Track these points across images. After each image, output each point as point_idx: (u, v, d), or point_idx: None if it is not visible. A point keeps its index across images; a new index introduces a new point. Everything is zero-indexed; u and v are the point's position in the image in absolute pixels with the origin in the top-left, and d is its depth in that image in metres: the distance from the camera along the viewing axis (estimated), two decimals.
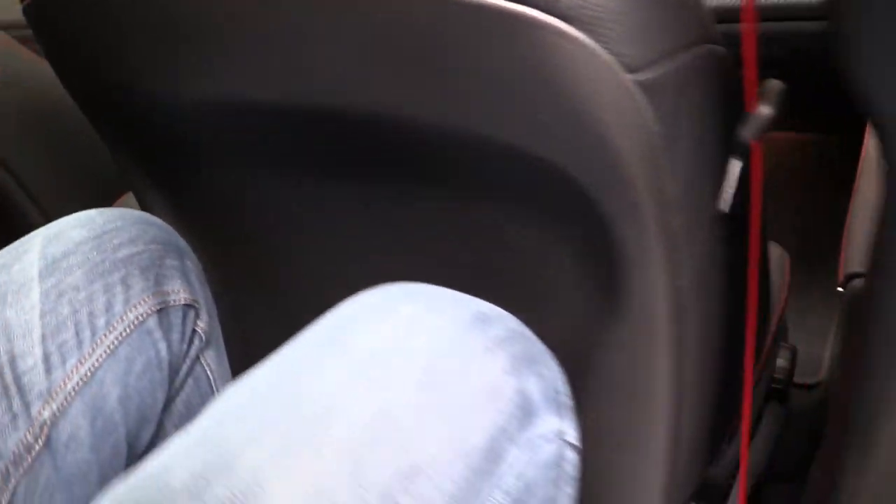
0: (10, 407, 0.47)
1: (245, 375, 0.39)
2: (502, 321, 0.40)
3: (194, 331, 0.57)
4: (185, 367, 0.57)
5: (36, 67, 0.84)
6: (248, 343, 0.67)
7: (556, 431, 0.40)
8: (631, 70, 0.37)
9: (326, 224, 0.58)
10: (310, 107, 0.46)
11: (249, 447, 0.33)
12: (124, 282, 0.52)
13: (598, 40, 0.36)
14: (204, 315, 0.58)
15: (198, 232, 0.66)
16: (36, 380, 0.47)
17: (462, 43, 0.38)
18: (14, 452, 0.46)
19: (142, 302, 0.53)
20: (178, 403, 0.57)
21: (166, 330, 0.54)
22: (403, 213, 0.53)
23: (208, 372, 0.59)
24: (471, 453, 0.35)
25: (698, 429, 0.56)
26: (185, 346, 0.56)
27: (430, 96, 0.41)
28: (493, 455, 0.36)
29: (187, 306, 0.57)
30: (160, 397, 0.55)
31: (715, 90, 0.42)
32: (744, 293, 0.50)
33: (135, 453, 0.54)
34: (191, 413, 0.58)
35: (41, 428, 0.47)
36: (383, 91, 0.42)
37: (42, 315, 0.48)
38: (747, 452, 0.56)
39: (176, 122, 0.58)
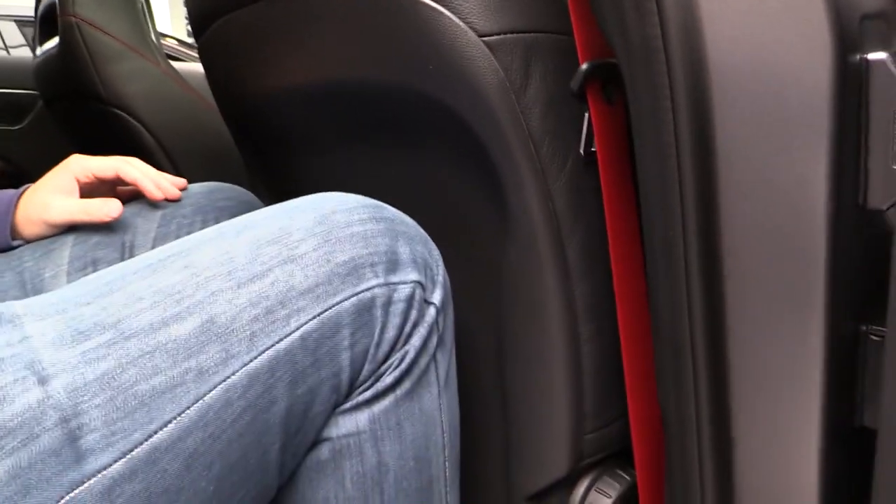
0: None
1: None
2: (400, 216, 0.57)
3: None
4: None
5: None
6: None
7: (415, 282, 0.54)
8: (479, 34, 0.58)
9: (333, 172, 0.80)
10: (327, 83, 0.71)
11: (201, 242, 0.55)
12: (217, 220, 0.79)
13: (454, 13, 0.57)
14: None
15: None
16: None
17: (380, 21, 0.60)
18: None
19: None
20: None
21: None
22: (378, 165, 0.74)
23: None
24: (337, 265, 0.52)
25: (604, 359, 0.67)
26: None
27: (370, 62, 0.64)
28: (355, 273, 0.53)
29: None
30: None
31: (563, 63, 0.60)
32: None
33: None
34: None
35: None
36: (354, 64, 0.65)
37: (158, 225, 0.77)
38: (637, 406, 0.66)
39: (260, 117, 0.85)
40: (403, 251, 0.55)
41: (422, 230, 0.58)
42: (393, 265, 0.54)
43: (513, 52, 0.58)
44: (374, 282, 0.53)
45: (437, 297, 0.56)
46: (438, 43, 0.58)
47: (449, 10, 0.57)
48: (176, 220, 0.78)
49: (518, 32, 0.59)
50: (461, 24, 0.57)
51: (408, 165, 0.71)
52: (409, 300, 0.54)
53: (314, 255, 0.52)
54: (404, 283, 0.54)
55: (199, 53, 0.89)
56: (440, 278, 0.57)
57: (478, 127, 0.61)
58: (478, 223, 0.68)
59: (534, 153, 0.61)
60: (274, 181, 0.92)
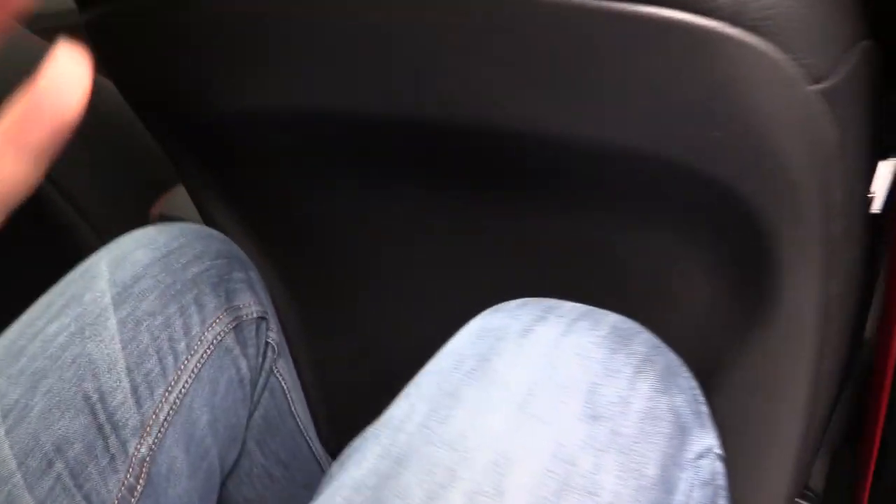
0: (106, 447, 0.45)
1: (392, 409, 0.37)
2: (638, 335, 0.38)
3: (267, 343, 0.56)
4: (261, 381, 0.56)
5: None
6: (318, 352, 0.65)
7: (708, 447, 0.38)
8: (815, 80, 0.34)
9: (416, 235, 0.55)
10: (429, 120, 0.43)
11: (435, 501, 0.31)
12: (198, 301, 0.50)
13: (785, 51, 0.33)
14: (273, 325, 0.57)
15: (263, 243, 0.63)
16: (128, 415, 0.45)
17: (629, 57, 0.34)
18: (118, 496, 0.44)
19: (217, 320, 0.51)
20: (257, 417, 0.56)
21: (243, 345, 0.53)
22: (508, 224, 0.50)
23: (282, 382, 0.58)
24: (649, 487, 0.33)
25: (822, 427, 0.54)
26: (260, 360, 0.56)
27: (584, 113, 0.37)
28: (667, 485, 0.34)
29: (259, 318, 0.55)
30: (243, 414, 0.54)
31: (873, 88, 0.39)
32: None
33: (223, 472, 0.53)
34: (269, 426, 0.57)
35: (140, 465, 0.45)
36: (529, 107, 0.38)
37: (124, 346, 0.46)
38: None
39: (250, 132, 0.54)
40: (681, 404, 0.37)
41: (669, 349, 0.39)
42: (682, 434, 0.36)
43: (843, 96, 0.36)
44: (681, 479, 0.35)
45: (717, 444, 0.40)
46: (744, 100, 0.34)
47: (780, 48, 0.33)
48: (144, 324, 0.48)
49: (844, 56, 0.36)
50: (794, 68, 0.33)
51: (555, 222, 0.47)
52: (713, 482, 0.38)
53: (626, 491, 0.33)
54: (701, 455, 0.37)
55: (89, 24, 0.53)
56: (705, 407, 0.40)
57: (763, 204, 0.39)
58: (692, 303, 0.48)
59: (832, 228, 0.41)
60: (249, 208, 0.61)
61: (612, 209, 0.44)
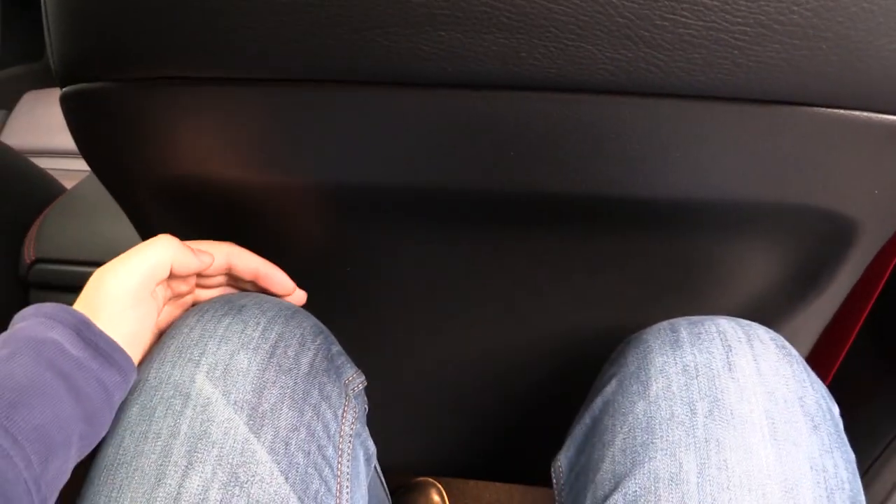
0: None
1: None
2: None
3: (366, 408, 0.53)
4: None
5: None
6: None
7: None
8: None
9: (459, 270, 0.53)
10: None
11: None
12: (323, 395, 0.46)
13: None
14: None
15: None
16: None
17: (840, 147, 0.36)
18: None
19: (344, 410, 0.47)
20: None
21: (364, 422, 0.51)
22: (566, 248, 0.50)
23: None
24: None
25: None
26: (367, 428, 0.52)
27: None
28: None
29: (365, 388, 0.52)
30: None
31: None
32: None
33: None
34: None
35: None
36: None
37: (286, 477, 0.41)
38: None
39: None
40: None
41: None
42: None
43: None
44: None
45: None
46: None
47: None
48: (293, 443, 0.43)
49: None
50: None
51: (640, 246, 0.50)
52: None
53: None
54: None
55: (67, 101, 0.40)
56: None
57: (865, 224, 0.45)
58: (756, 283, 0.53)
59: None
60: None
61: (714, 233, 0.47)
